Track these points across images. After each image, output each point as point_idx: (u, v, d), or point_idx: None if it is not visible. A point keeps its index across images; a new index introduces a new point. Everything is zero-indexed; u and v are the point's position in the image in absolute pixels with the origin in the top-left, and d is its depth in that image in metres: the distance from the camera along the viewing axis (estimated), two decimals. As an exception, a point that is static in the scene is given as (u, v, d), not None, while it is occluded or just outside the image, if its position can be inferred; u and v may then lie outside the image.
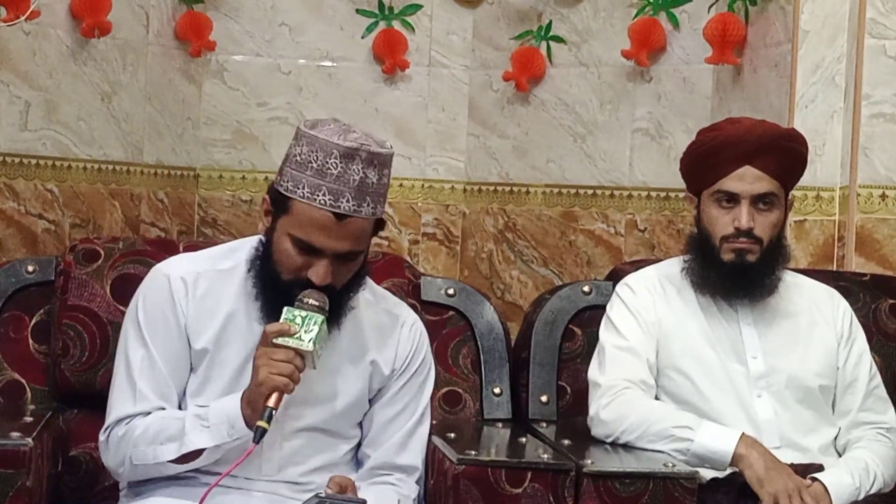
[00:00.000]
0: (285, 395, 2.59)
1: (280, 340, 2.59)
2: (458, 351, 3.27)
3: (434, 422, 3.13)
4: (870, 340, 3.21)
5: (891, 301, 3.40)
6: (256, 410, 2.58)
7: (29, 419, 2.88)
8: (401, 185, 5.02)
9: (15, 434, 2.67)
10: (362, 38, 5.00)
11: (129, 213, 4.67)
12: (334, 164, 2.59)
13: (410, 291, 3.22)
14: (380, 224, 2.71)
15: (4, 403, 3.07)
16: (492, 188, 5.02)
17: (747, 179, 3.03)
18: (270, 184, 2.70)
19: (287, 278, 2.65)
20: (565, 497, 2.71)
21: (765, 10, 4.31)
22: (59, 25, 4.38)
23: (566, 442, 2.95)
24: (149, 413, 2.70)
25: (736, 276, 3.06)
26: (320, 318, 2.61)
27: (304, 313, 2.61)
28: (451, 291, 3.30)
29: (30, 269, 3.15)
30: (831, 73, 4.01)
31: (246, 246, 2.79)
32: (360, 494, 2.72)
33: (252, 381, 2.61)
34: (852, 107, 3.95)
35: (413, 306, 3.18)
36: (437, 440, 2.93)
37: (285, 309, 2.61)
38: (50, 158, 4.38)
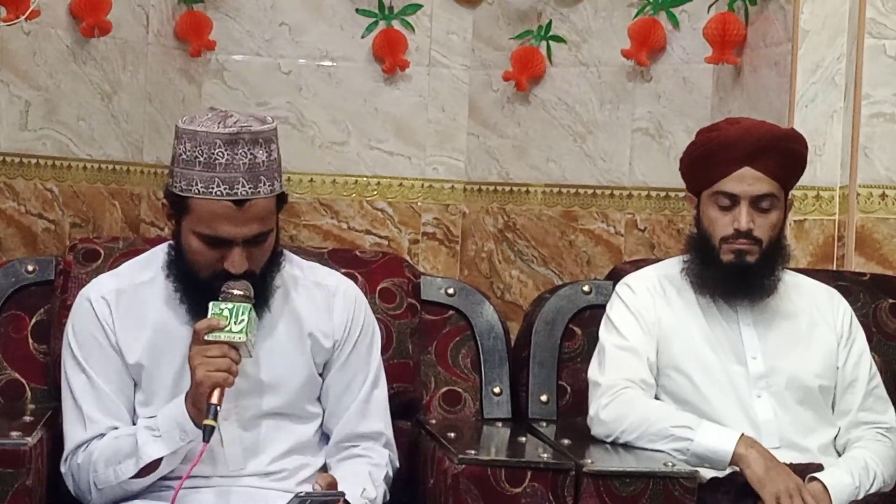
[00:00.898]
0: (228, 389, 2.60)
1: (211, 336, 2.60)
2: (457, 350, 3.27)
3: (433, 421, 3.14)
4: (870, 340, 3.21)
5: (891, 301, 3.40)
6: (202, 410, 2.59)
7: (29, 419, 2.88)
8: (401, 184, 5.02)
9: (15, 433, 2.67)
10: (362, 37, 5.00)
11: (129, 212, 4.67)
12: (220, 154, 2.60)
13: (410, 291, 3.22)
14: (282, 199, 2.70)
15: (4, 403, 3.08)
16: (492, 188, 5.02)
17: (747, 180, 3.03)
18: (165, 188, 2.70)
19: (205, 275, 2.66)
20: (565, 496, 2.72)
21: (764, 9, 4.31)
22: (59, 25, 4.38)
23: (566, 441, 2.95)
24: (103, 435, 2.72)
25: (735, 277, 3.06)
26: (247, 306, 2.62)
27: (230, 305, 2.61)
28: (450, 291, 3.30)
29: (30, 268, 3.15)
30: (831, 73, 4.01)
31: (160, 254, 2.79)
32: (331, 473, 2.72)
33: (192, 381, 2.61)
34: (852, 106, 3.95)
35: (413, 306, 3.18)
36: (437, 440, 2.94)
37: (211, 304, 2.62)
38: (50, 158, 4.38)
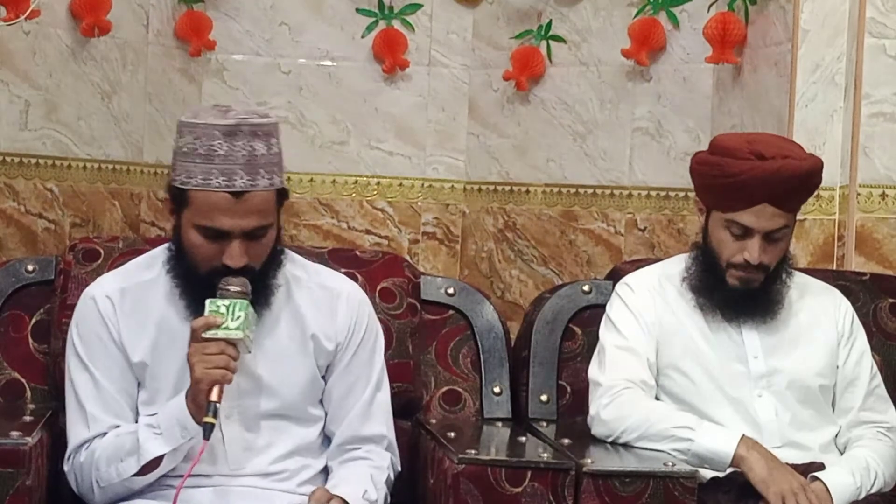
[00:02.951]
0: (230, 387, 2.61)
1: (209, 333, 2.61)
2: (458, 350, 3.27)
3: (434, 421, 3.14)
4: (870, 339, 3.21)
5: (891, 300, 3.40)
6: (202, 407, 2.60)
7: (29, 418, 2.88)
8: (401, 184, 5.02)
9: (15, 433, 2.68)
10: (362, 37, 5.00)
11: (129, 212, 4.66)
12: (219, 145, 2.61)
13: (410, 291, 3.22)
14: (283, 194, 2.70)
15: (4, 403, 3.08)
16: (492, 187, 5.02)
17: (763, 216, 2.99)
18: (167, 183, 2.71)
19: (204, 270, 2.67)
20: (565, 496, 2.72)
21: (765, 9, 4.30)
22: (59, 25, 4.38)
23: (566, 441, 2.95)
24: (105, 434, 2.73)
25: (740, 300, 3.05)
26: (244, 302, 2.62)
27: (227, 302, 2.61)
28: (451, 291, 3.30)
29: (30, 268, 3.15)
30: (831, 73, 4.00)
31: (163, 252, 2.80)
32: (332, 476, 2.74)
33: (191, 379, 2.62)
34: (852, 106, 3.95)
35: (413, 306, 3.18)
36: (437, 439, 2.94)
37: (207, 301, 2.62)
38: (50, 158, 4.38)
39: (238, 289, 2.62)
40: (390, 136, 5.02)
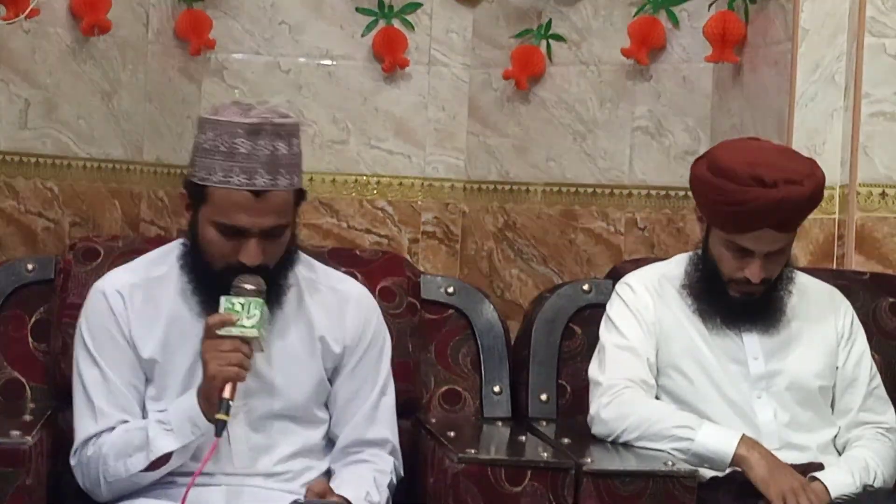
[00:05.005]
0: (240, 384, 2.60)
1: (223, 331, 2.60)
2: (457, 349, 3.27)
3: (433, 420, 3.15)
4: (869, 339, 3.21)
5: (891, 300, 3.40)
6: (214, 404, 2.60)
7: (29, 418, 2.88)
8: (400, 183, 5.02)
9: (15, 432, 2.68)
10: (362, 36, 5.00)
11: (128, 211, 4.66)
12: (241, 143, 2.61)
13: (410, 290, 3.22)
14: (301, 194, 2.70)
15: (4, 402, 3.08)
16: (492, 187, 5.01)
17: (764, 240, 2.98)
18: (184, 178, 2.70)
19: (219, 267, 2.67)
20: (565, 496, 2.72)
21: (765, 8, 4.30)
22: (58, 24, 4.38)
23: (566, 441, 2.95)
24: (113, 428, 2.72)
25: (740, 308, 3.05)
26: (259, 301, 2.62)
27: (242, 299, 2.61)
28: (450, 290, 3.30)
29: (29, 267, 3.15)
30: (831, 72, 4.00)
31: (175, 248, 2.80)
32: (335, 477, 2.73)
33: (203, 375, 2.62)
34: (852, 105, 3.95)
35: (413, 305, 3.18)
36: (436, 439, 2.94)
37: (223, 298, 2.62)
38: (50, 157, 4.38)
39: (253, 287, 2.62)
40: (390, 135, 5.02)
